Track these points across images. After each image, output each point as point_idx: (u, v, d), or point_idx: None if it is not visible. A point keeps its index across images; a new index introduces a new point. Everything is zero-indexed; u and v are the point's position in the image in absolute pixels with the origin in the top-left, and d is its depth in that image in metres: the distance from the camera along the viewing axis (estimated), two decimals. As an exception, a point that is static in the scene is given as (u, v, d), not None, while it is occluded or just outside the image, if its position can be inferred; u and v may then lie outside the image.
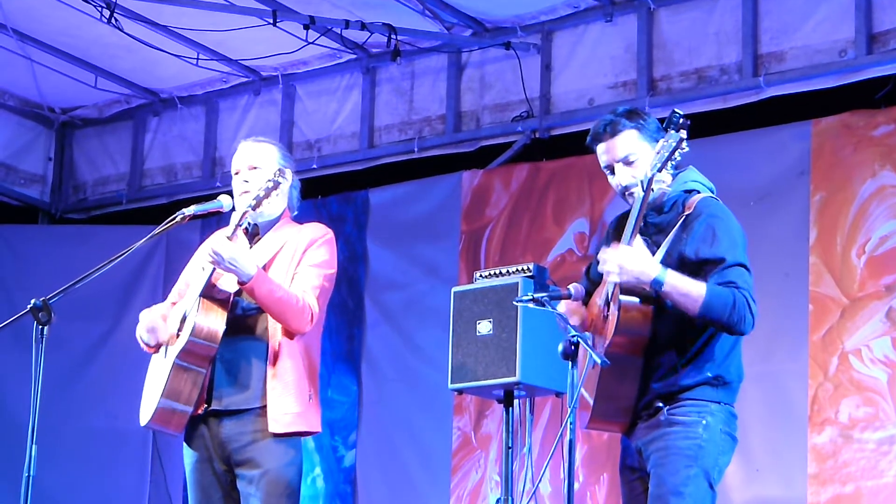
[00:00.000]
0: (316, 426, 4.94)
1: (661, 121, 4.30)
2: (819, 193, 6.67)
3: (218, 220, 5.42)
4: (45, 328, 4.47)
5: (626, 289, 4.22)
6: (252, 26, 7.40)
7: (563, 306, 4.43)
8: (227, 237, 4.84)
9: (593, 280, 4.56)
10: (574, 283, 4.54)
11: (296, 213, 5.14)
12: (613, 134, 4.36)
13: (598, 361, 4.13)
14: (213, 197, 5.02)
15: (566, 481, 4.19)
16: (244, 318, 4.91)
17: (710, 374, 4.26)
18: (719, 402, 4.27)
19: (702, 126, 6.34)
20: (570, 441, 4.16)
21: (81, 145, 9.06)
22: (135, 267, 8.36)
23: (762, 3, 6.97)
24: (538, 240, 7.46)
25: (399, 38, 7.52)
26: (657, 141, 4.21)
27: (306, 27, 7.39)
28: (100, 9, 7.24)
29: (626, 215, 4.36)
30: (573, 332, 4.23)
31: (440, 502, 7.42)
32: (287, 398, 4.84)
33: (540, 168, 7.56)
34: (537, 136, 7.57)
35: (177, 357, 4.83)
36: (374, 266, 7.95)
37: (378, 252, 7.95)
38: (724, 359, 4.29)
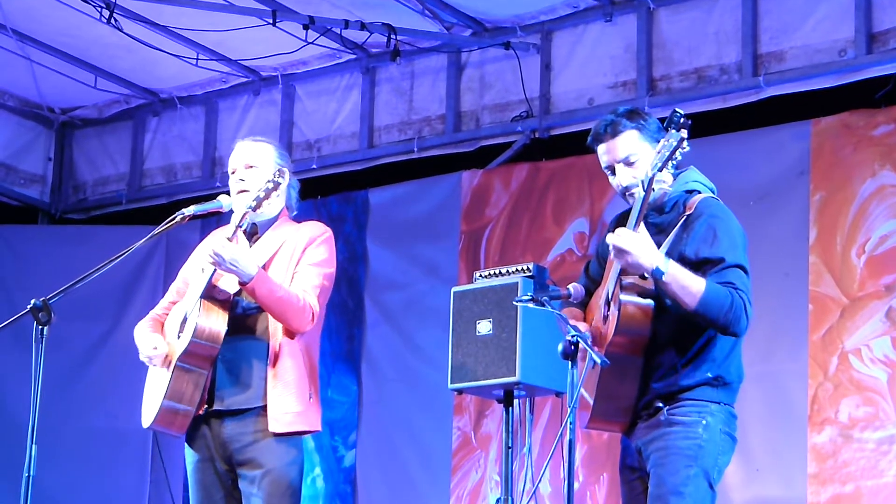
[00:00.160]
0: (316, 425, 4.94)
1: (662, 121, 4.30)
2: (819, 193, 6.67)
3: (217, 219, 5.42)
4: (45, 328, 4.48)
5: (625, 286, 4.22)
6: (252, 26, 7.40)
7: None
8: (228, 238, 4.84)
9: (593, 278, 4.57)
10: (573, 283, 4.54)
11: (294, 212, 5.15)
12: (614, 134, 4.35)
13: (598, 361, 4.13)
14: (213, 197, 5.03)
15: (566, 481, 4.19)
16: (244, 318, 4.92)
17: (710, 375, 4.26)
18: (719, 403, 4.27)
19: (701, 126, 6.31)
20: (570, 441, 4.16)
21: (81, 145, 9.06)
22: (135, 267, 8.36)
23: (762, 2, 6.97)
24: (538, 240, 7.46)
25: (399, 38, 7.52)
26: (658, 141, 4.20)
27: (306, 27, 7.39)
28: (99, 9, 7.24)
29: (625, 214, 4.35)
30: (573, 332, 4.23)
31: (440, 502, 7.42)
32: (288, 398, 4.84)
33: (540, 168, 7.56)
34: (537, 135, 7.57)
35: (178, 359, 4.83)
36: (374, 266, 7.95)
37: (378, 252, 7.95)
38: (724, 359, 4.29)
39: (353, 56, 8.02)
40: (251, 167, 5.01)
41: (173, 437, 5.00)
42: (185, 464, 5.04)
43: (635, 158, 4.33)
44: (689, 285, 4.14)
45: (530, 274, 5.97)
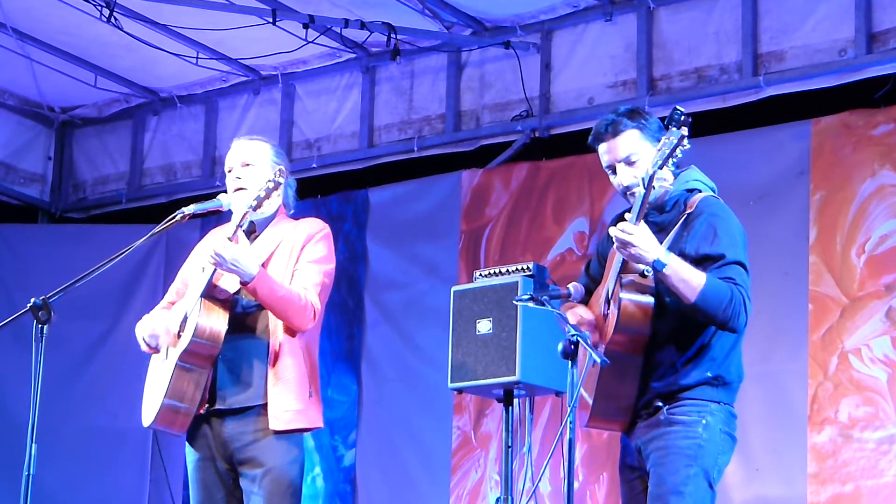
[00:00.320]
0: (318, 422, 4.95)
1: (662, 120, 4.29)
2: (819, 193, 6.67)
3: (217, 218, 5.41)
4: (45, 327, 4.48)
5: (625, 284, 4.22)
6: (252, 25, 7.40)
7: (572, 317, 4.40)
8: (228, 238, 4.84)
9: (593, 277, 4.57)
10: (573, 283, 4.54)
11: (292, 210, 5.16)
12: (615, 134, 4.35)
13: (598, 360, 4.13)
14: (213, 196, 5.03)
15: (566, 480, 4.19)
16: (244, 317, 4.92)
17: (709, 374, 4.26)
18: (719, 402, 4.27)
19: (702, 125, 6.32)
20: (570, 440, 4.16)
21: (81, 144, 9.06)
22: (134, 266, 8.36)
23: (762, 2, 6.97)
24: (538, 239, 7.46)
25: (399, 37, 7.52)
26: (659, 140, 4.21)
27: (306, 26, 7.39)
28: (99, 8, 7.24)
29: (626, 213, 4.35)
30: (573, 332, 4.23)
31: (440, 501, 7.42)
32: (288, 396, 4.84)
33: (540, 167, 7.56)
34: (537, 135, 7.57)
35: (179, 358, 4.83)
36: (374, 265, 7.95)
37: (378, 251, 7.95)
38: (724, 358, 4.29)
39: (353, 55, 8.02)
40: (248, 165, 5.02)
41: (174, 437, 5.00)
42: (186, 463, 5.04)
43: (636, 158, 4.33)
44: (690, 279, 4.14)
45: (530, 273, 5.97)
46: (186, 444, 5.00)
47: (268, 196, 4.87)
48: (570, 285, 4.51)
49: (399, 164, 8.03)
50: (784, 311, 6.58)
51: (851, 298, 6.50)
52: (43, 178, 9.03)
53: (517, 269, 6.03)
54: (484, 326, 5.95)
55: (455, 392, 6.24)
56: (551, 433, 6.97)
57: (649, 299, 4.23)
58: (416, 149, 7.91)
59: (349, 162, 8.14)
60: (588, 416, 4.37)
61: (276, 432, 4.83)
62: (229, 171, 5.06)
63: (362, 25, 7.40)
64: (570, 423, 4.16)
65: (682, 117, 4.12)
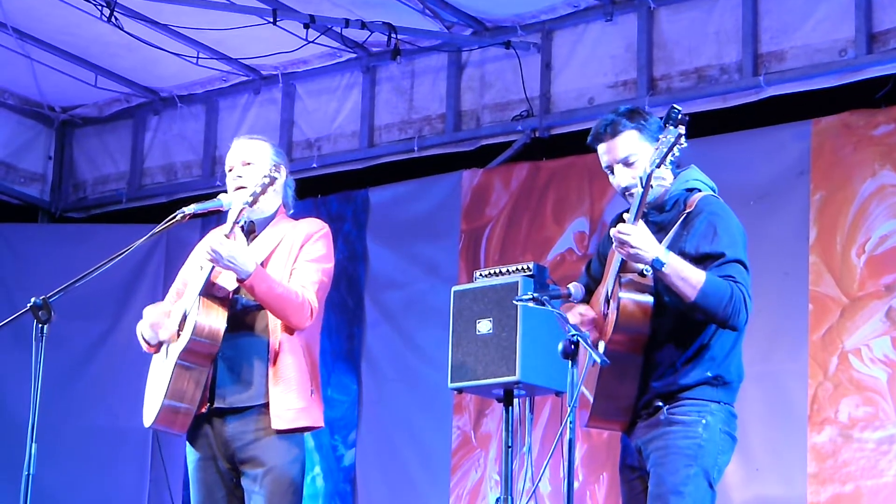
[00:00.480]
0: (319, 421, 4.95)
1: (663, 119, 4.30)
2: (819, 193, 6.67)
3: (217, 218, 5.42)
4: (45, 327, 4.48)
5: (624, 283, 4.22)
6: (252, 25, 7.40)
7: (573, 317, 4.39)
8: (225, 235, 4.84)
9: (594, 277, 4.57)
10: (574, 283, 4.54)
11: (291, 210, 5.16)
12: (614, 134, 4.35)
13: (598, 360, 4.13)
14: (213, 196, 5.03)
15: (566, 480, 4.19)
16: (244, 315, 4.92)
17: (709, 374, 4.26)
18: (719, 402, 4.27)
19: (702, 125, 6.34)
20: (570, 440, 4.16)
21: (81, 144, 9.06)
22: (134, 266, 8.36)
23: (762, 2, 6.97)
24: (538, 239, 7.46)
25: (399, 37, 7.52)
26: (658, 140, 4.21)
27: (306, 26, 7.39)
28: (100, 7, 7.24)
29: (625, 213, 4.35)
30: (573, 331, 4.23)
31: (440, 501, 7.42)
32: (289, 394, 4.85)
33: (540, 167, 7.56)
34: (537, 135, 7.57)
35: (179, 357, 4.83)
36: (374, 265, 7.95)
37: (378, 251, 7.95)
38: (724, 358, 4.29)
39: (354, 55, 8.02)
40: (248, 164, 5.03)
41: (175, 436, 5.00)
42: (186, 462, 5.04)
43: (635, 159, 4.33)
44: (689, 277, 4.14)
45: (530, 273, 5.97)
46: (187, 443, 5.00)
47: (263, 192, 4.87)
48: (570, 285, 4.51)
49: (399, 164, 8.03)
50: (784, 311, 6.58)
51: (851, 298, 6.50)
52: (43, 177, 9.03)
53: (517, 269, 6.03)
54: (484, 326, 5.95)
55: (455, 392, 6.24)
56: (551, 433, 6.97)
57: (648, 298, 4.23)
58: (416, 149, 7.91)
59: (349, 162, 8.14)
60: (588, 416, 4.37)
61: (278, 431, 4.83)
62: (230, 171, 5.07)
63: (363, 25, 7.40)
64: (570, 422, 4.16)
65: (680, 116, 4.12)
